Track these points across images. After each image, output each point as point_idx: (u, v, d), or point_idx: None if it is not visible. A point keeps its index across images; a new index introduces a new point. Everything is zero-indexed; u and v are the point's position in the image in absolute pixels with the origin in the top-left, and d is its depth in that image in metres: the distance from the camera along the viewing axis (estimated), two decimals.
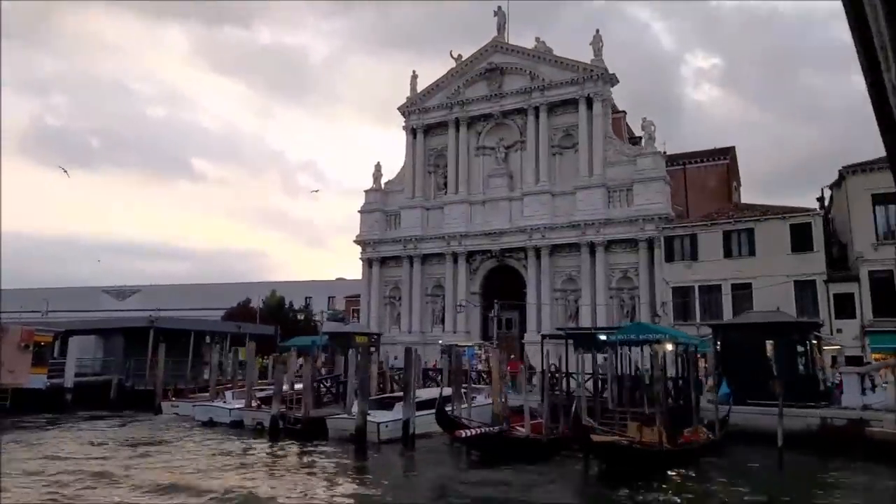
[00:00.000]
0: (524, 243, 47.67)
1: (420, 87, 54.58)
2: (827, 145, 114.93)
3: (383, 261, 53.96)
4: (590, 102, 47.02)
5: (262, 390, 29.60)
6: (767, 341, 24.38)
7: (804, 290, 36.18)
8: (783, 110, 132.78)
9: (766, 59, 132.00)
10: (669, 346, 21.62)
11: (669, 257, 41.11)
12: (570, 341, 29.30)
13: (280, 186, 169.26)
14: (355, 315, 61.73)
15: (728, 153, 55.28)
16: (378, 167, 55.95)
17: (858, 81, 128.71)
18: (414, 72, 55.34)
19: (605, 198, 45.50)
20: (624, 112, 51.00)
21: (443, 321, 51.08)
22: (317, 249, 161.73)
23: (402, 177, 55.20)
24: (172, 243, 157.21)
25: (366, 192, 55.80)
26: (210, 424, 25.24)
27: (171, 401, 29.66)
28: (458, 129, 52.17)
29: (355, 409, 22.05)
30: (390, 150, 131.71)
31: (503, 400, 22.63)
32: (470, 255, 50.32)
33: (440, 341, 44.12)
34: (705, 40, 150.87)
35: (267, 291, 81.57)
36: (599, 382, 27.17)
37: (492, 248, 49.25)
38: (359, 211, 55.52)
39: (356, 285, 78.68)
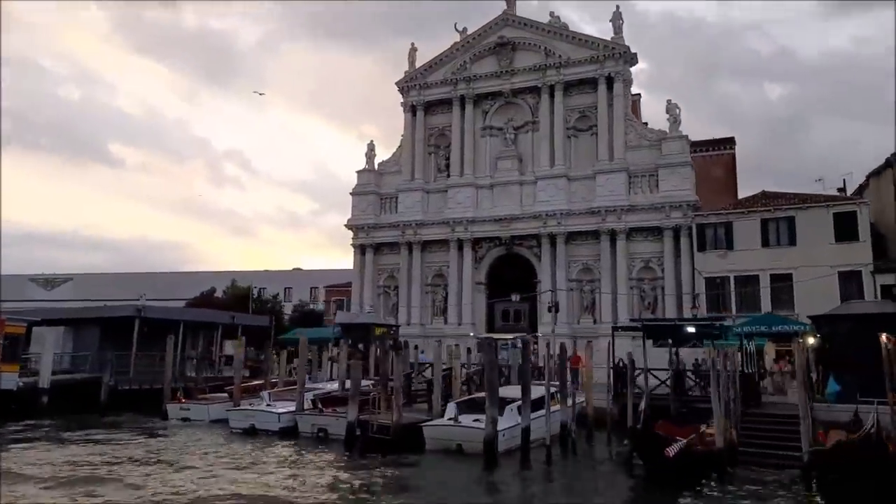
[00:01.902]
0: (538, 230, 44.63)
1: (420, 62, 50.65)
2: (744, 151, 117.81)
3: (378, 247, 49.71)
4: (610, 82, 44.46)
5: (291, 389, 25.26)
6: (883, 334, 22.20)
7: (849, 281, 34.79)
8: (704, 117, 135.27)
9: (689, 64, 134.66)
10: (812, 340, 19.02)
11: (702, 246, 39.08)
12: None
13: (205, 175, 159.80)
14: (338, 306, 57.21)
15: (732, 143, 54.20)
16: (371, 146, 51.65)
17: (771, 89, 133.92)
18: (413, 44, 51.36)
19: (626, 183, 43.06)
20: (638, 95, 48.82)
21: (444, 312, 47.45)
22: (245, 239, 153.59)
23: (398, 157, 51.08)
24: (84, 232, 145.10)
25: (358, 172, 51.37)
26: (250, 433, 20.74)
27: (181, 402, 24.73)
28: (463, 108, 48.54)
29: (450, 412, 18.29)
30: (325, 141, 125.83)
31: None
32: (476, 243, 46.85)
33: (471, 334, 40.58)
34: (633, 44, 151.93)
35: (213, 281, 75.38)
36: (671, 379, 24.48)
37: (501, 234, 45.95)
38: (350, 193, 51.03)
39: (334, 274, 74.04)
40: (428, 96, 49.76)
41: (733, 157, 53.33)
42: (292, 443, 19.38)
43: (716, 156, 52.61)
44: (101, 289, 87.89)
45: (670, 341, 25.71)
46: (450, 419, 17.33)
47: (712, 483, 14.01)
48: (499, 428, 16.59)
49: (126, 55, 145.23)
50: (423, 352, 37.89)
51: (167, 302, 65.35)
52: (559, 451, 17.52)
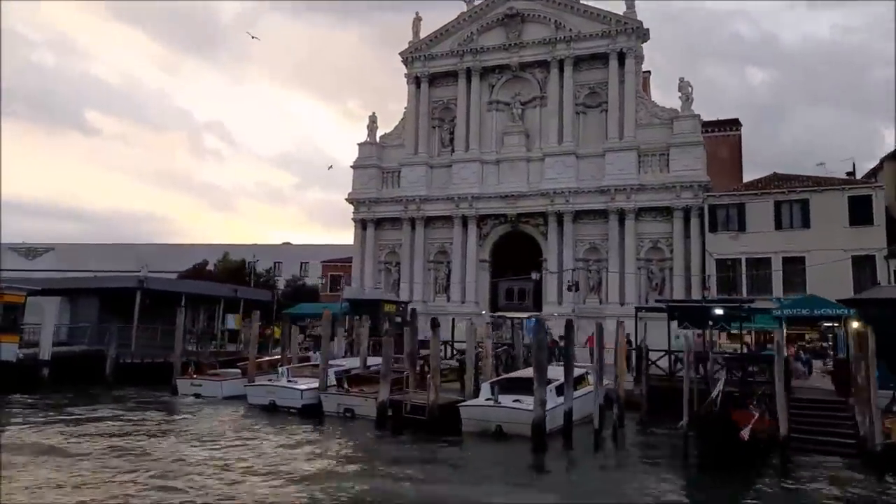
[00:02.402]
0: (545, 208, 43.86)
1: (424, 32, 49.12)
2: None
3: (379, 222, 48.63)
4: (621, 58, 43.48)
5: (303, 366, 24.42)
6: None
7: (862, 265, 34.55)
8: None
9: (676, 46, 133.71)
10: (856, 324, 18.51)
11: (713, 227, 38.59)
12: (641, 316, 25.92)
13: (185, 147, 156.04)
14: (336, 282, 56.12)
15: (737, 125, 53.65)
16: (373, 118, 50.23)
17: (753, 74, 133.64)
18: (417, 13, 49.75)
19: (636, 162, 42.35)
20: (648, 72, 47.91)
21: (446, 290, 46.69)
22: (225, 213, 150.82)
23: (400, 130, 49.79)
24: (60, 201, 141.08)
25: (359, 145, 50.02)
26: (271, 409, 19.86)
27: (192, 378, 23.72)
28: (469, 80, 47.27)
29: (485, 393, 17.58)
30: (308, 116, 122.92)
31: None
32: (481, 220, 45.97)
33: (483, 311, 39.85)
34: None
35: (202, 254, 73.69)
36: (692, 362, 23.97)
37: (507, 212, 45.10)
38: (351, 166, 49.75)
39: (326, 250, 72.72)
40: (433, 68, 48.39)
41: (739, 138, 52.84)
42: (315, 422, 18.53)
43: (721, 137, 52.01)
44: (84, 259, 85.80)
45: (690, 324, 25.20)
46: (488, 399, 16.62)
47: (777, 469, 13.53)
48: (527, 408, 15.92)
49: (104, 22, 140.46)
50: None
51: (156, 275, 63.82)
52: (598, 434, 16.89)
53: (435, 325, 18.29)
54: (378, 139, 50.03)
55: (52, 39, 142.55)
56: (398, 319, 35.45)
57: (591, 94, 44.87)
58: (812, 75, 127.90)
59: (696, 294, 38.99)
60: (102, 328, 29.77)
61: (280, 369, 21.73)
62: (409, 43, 49.23)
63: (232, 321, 35.74)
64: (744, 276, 37.23)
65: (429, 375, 17.30)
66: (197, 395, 23.09)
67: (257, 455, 14.06)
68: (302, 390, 19.73)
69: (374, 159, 49.15)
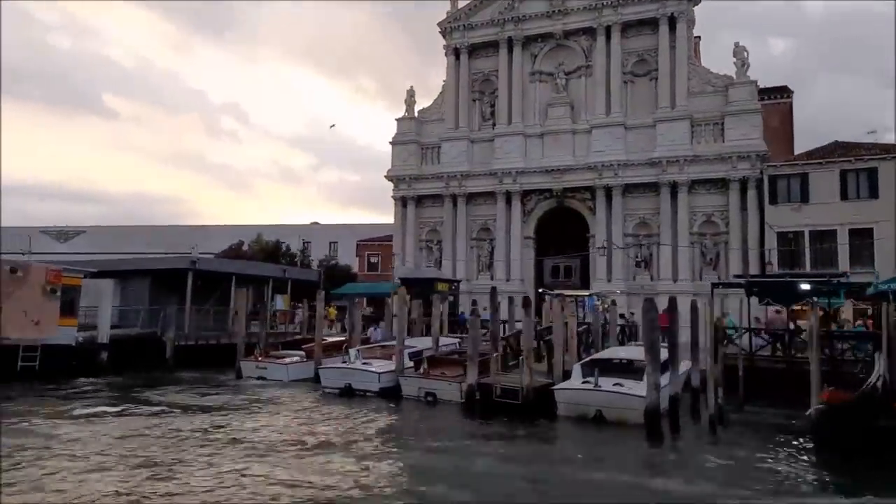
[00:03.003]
0: (592, 182, 42.48)
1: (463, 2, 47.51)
2: None
3: (419, 199, 47.61)
4: (672, 23, 41.62)
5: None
6: None
7: None
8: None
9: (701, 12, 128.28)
10: None
11: (773, 199, 37.04)
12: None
13: (201, 128, 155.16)
14: (373, 261, 55.43)
15: (788, 92, 51.53)
16: (411, 92, 48.93)
17: (775, 44, 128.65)
18: None
19: (689, 132, 40.72)
20: (699, 37, 45.94)
21: (489, 268, 45.71)
22: (241, 193, 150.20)
23: (440, 104, 48.47)
24: (75, 185, 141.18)
25: (398, 120, 48.83)
26: (346, 393, 19.13)
27: (258, 360, 23.08)
28: (510, 51, 45.71)
29: (577, 375, 16.64)
30: (321, 94, 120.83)
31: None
32: (525, 195, 44.74)
33: (540, 290, 38.85)
34: None
35: (230, 235, 73.37)
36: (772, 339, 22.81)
37: (552, 186, 43.78)
38: (390, 142, 48.63)
39: (360, 229, 71.91)
40: (472, 38, 46.84)
41: (790, 107, 50.76)
42: (399, 405, 17.78)
43: (771, 105, 49.93)
44: (115, 242, 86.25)
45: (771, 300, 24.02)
46: (584, 382, 15.68)
47: None
48: (635, 392, 14.99)
49: (115, 1, 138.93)
50: (485, 308, 36.17)
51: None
52: (699, 418, 15.90)
53: (527, 303, 17.34)
54: (416, 113, 48.80)
55: (67, 21, 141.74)
56: (450, 298, 34.69)
57: (640, 62, 43.13)
58: (833, 43, 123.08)
59: (753, 269, 37.69)
60: (154, 310, 29.31)
61: (350, 352, 20.97)
62: (447, 13, 47.68)
63: (281, 302, 35.14)
64: (807, 250, 35.75)
65: (521, 356, 16.39)
66: (261, 378, 22.46)
67: (364, 439, 13.35)
68: (379, 373, 18.94)
69: (413, 135, 47.98)
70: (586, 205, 43.42)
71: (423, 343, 21.68)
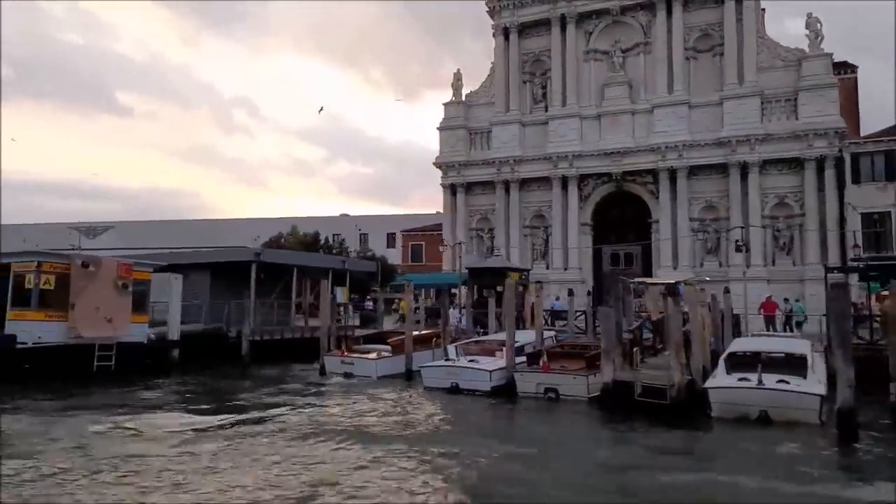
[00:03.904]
0: (655, 164, 40.56)
1: None
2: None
3: (469, 186, 45.92)
4: None
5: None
6: None
7: None
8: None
9: None
10: None
11: (856, 178, 35.01)
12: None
13: (212, 122, 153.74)
14: (417, 252, 53.90)
15: (851, 68, 49.01)
16: (458, 75, 47.13)
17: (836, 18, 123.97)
18: None
19: (759, 110, 38.62)
20: (764, 9, 43.61)
21: (544, 256, 44.00)
22: (254, 187, 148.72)
23: (488, 87, 46.67)
24: (92, 181, 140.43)
25: (445, 105, 47.08)
26: (452, 392, 17.60)
27: (343, 356, 21.59)
28: (563, 29, 43.71)
29: (722, 371, 14.96)
30: (330, 85, 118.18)
31: None
32: (582, 180, 42.89)
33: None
34: None
35: (259, 228, 72.34)
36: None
37: (611, 170, 41.87)
38: (437, 128, 46.91)
39: (391, 220, 70.54)
40: (522, 17, 44.87)
41: (855, 82, 48.25)
42: (515, 404, 16.19)
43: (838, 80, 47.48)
44: (144, 237, 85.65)
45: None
46: (741, 379, 13.99)
47: None
48: (810, 390, 13.29)
49: None
50: (557, 298, 34.65)
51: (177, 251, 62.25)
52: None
53: (673, 292, 15.67)
54: (464, 97, 47.04)
55: (78, 18, 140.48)
56: (520, 289, 33.04)
57: (703, 37, 41.00)
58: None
59: (833, 253, 35.78)
60: (214, 304, 28.00)
61: (449, 348, 19.40)
62: None
63: (340, 294, 33.66)
64: (895, 231, 33.70)
65: (667, 352, 14.76)
66: (347, 375, 20.97)
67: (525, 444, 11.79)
68: (490, 371, 17.36)
69: (462, 120, 46.23)
70: (647, 188, 41.52)
71: (523, 337, 20.04)
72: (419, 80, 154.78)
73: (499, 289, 29.00)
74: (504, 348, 18.22)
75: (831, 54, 38.02)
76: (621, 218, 42.63)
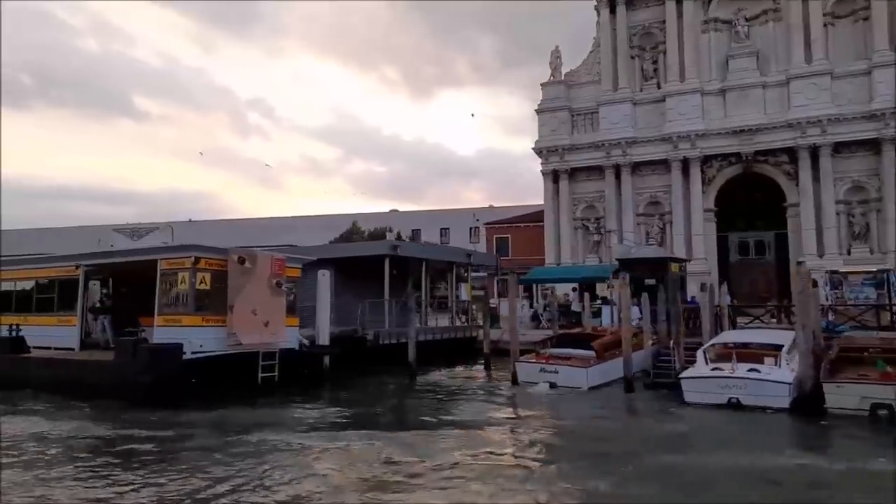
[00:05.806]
0: (794, 142, 36.50)
1: None
2: None
3: (572, 173, 42.16)
4: None
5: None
6: None
7: None
8: None
9: None
10: None
11: None
12: None
13: (228, 125, 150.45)
14: (502, 245, 50.26)
15: None
16: (557, 52, 43.35)
17: None
18: None
19: None
20: None
21: (661, 245, 40.00)
22: (273, 191, 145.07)
23: (591, 65, 42.86)
24: (112, 185, 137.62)
25: (543, 85, 43.36)
26: (734, 408, 13.88)
27: (544, 362, 17.90)
28: None
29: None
30: (344, 85, 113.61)
31: None
32: (705, 161, 38.93)
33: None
34: None
35: (305, 225, 69.59)
36: None
37: (740, 150, 37.86)
38: (536, 110, 43.25)
39: (440, 216, 67.31)
40: None
41: None
42: (842, 428, 12.43)
43: None
44: (191, 238, 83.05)
45: None
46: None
47: None
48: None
49: (139, 1, 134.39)
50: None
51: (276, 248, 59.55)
52: None
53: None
54: (563, 76, 43.29)
55: (93, 25, 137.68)
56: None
57: (841, 2, 36.85)
58: None
59: None
60: (340, 303, 24.52)
61: (698, 353, 15.66)
62: None
63: (464, 291, 30.18)
64: None
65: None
66: (552, 385, 17.36)
67: None
68: (789, 383, 13.63)
69: (563, 100, 42.49)
70: (782, 169, 37.44)
71: (775, 336, 16.25)
72: (433, 79, 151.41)
73: (648, 282, 25.33)
74: (779, 353, 14.49)
75: None
76: (749, 203, 38.63)
